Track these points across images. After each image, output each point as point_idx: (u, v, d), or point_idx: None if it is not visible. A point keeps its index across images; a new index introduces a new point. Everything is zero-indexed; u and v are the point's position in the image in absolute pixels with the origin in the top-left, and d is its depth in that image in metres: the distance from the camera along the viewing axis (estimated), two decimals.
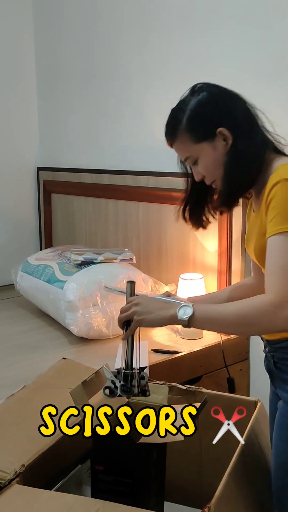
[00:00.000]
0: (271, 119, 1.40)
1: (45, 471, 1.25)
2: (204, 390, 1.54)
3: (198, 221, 1.44)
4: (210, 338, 2.23)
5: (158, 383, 1.54)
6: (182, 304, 1.24)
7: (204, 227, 1.45)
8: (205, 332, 2.27)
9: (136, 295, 1.41)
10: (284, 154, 1.33)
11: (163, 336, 2.29)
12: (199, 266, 2.39)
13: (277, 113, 2.05)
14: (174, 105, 2.57)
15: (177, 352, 2.08)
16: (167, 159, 2.54)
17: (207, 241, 2.32)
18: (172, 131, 1.33)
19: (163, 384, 1.53)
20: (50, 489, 1.22)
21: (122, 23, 2.69)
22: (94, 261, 2.40)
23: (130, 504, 1.17)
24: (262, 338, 1.41)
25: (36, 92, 3.30)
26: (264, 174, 1.27)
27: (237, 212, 2.16)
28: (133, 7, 2.61)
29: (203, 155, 1.31)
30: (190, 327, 1.24)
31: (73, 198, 3.10)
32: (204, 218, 1.43)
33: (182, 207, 1.44)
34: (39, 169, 3.32)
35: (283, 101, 2.03)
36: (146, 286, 2.36)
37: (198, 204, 1.42)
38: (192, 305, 1.23)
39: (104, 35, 2.81)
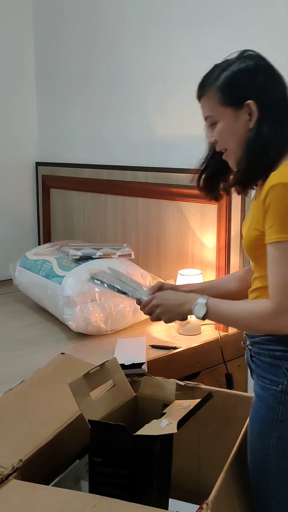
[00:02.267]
0: None
1: (43, 466, 1.25)
2: (203, 386, 1.54)
3: (212, 191, 1.41)
4: (208, 334, 2.23)
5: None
6: (197, 303, 1.31)
7: (217, 200, 1.43)
8: (203, 327, 2.27)
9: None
10: None
11: (161, 332, 2.29)
12: (198, 262, 2.39)
13: None
14: (173, 101, 2.56)
15: (175, 348, 2.08)
16: (167, 154, 2.56)
17: (206, 237, 2.32)
18: (206, 85, 1.30)
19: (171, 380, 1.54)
20: (48, 484, 1.22)
21: (123, 19, 2.68)
22: (93, 256, 2.40)
23: (126, 496, 1.18)
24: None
25: (35, 86, 3.29)
26: (279, 165, 1.23)
27: (236, 208, 2.16)
28: (135, 2, 2.60)
29: (223, 119, 1.28)
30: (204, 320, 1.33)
31: (72, 193, 3.09)
32: (219, 190, 1.40)
33: (198, 174, 1.40)
34: (38, 164, 3.32)
35: None
36: (144, 281, 2.35)
37: (215, 173, 1.39)
38: (206, 302, 1.30)
39: (105, 31, 2.80)
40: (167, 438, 1.32)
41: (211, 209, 2.27)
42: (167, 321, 1.41)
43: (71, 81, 3.07)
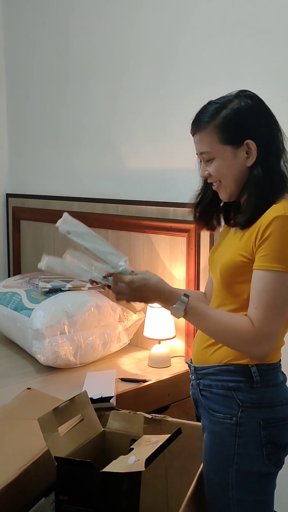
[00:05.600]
0: None
1: (8, 505, 1.22)
2: (170, 418, 1.54)
3: (208, 223, 1.43)
4: (178, 366, 2.23)
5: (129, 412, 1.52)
6: (175, 306, 1.27)
7: (213, 230, 1.44)
8: (173, 360, 2.27)
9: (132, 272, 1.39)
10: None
11: (131, 365, 2.28)
12: None
13: None
14: (142, 136, 2.59)
15: (145, 381, 2.07)
16: (136, 187, 2.58)
17: (176, 269, 2.34)
18: (203, 122, 1.29)
19: (139, 413, 1.52)
20: None
21: (93, 53, 2.73)
22: (62, 288, 2.39)
23: None
24: (189, 365, 1.41)
25: (6, 118, 3.31)
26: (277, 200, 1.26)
27: (205, 240, 2.18)
28: (105, 39, 2.66)
29: (221, 157, 1.29)
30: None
31: (42, 225, 3.09)
32: (214, 221, 1.42)
33: (195, 204, 1.42)
34: (8, 195, 3.32)
35: None
36: (114, 314, 2.35)
37: (211, 205, 1.41)
38: (185, 308, 1.26)
39: (74, 64, 2.84)
40: (135, 475, 1.30)
41: (180, 241, 2.29)
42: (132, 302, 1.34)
43: (43, 113, 3.09)
